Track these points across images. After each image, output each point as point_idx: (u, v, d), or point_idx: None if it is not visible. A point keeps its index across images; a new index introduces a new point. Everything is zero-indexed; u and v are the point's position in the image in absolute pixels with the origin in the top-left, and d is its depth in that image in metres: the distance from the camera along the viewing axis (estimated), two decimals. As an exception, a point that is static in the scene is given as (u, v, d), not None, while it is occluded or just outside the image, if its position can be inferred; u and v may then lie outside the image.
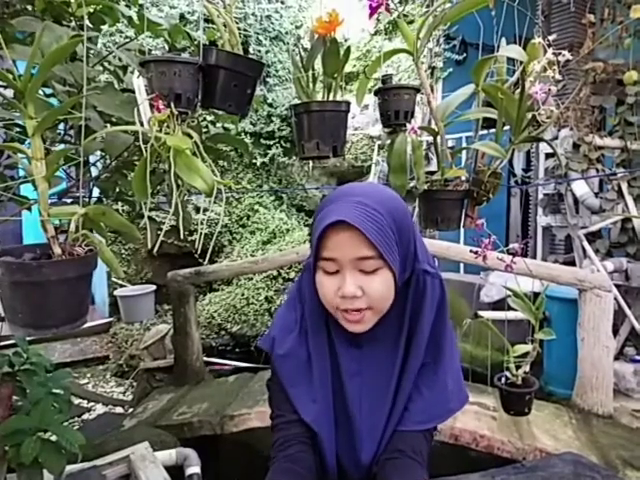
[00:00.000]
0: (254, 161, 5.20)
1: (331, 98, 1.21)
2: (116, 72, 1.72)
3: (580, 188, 3.50)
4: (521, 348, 1.57)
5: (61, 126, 1.76)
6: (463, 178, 1.51)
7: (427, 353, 0.90)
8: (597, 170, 3.47)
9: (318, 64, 1.26)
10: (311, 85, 1.21)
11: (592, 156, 3.48)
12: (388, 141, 1.38)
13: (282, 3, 5.48)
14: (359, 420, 0.89)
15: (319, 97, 1.21)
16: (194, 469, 2.29)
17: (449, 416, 0.91)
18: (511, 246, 1.49)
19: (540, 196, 3.97)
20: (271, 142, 5.25)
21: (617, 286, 3.12)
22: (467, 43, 5.18)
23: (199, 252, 4.91)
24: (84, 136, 0.98)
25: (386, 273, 0.81)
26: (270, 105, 5.25)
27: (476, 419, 2.48)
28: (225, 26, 1.11)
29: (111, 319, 4.72)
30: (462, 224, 1.53)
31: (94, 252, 0.96)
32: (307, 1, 5.59)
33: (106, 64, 1.48)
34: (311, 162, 5.39)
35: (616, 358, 3.01)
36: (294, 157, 5.39)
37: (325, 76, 1.17)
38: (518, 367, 1.56)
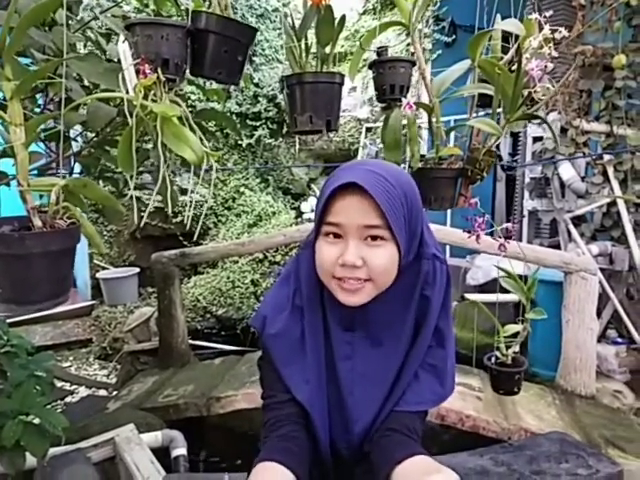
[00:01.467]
0: (240, 142, 5.11)
1: (325, 70, 1.16)
2: (98, 42, 1.64)
3: (567, 172, 3.51)
4: (511, 328, 1.56)
5: (41, 101, 1.68)
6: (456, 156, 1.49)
7: (432, 337, 0.90)
8: (584, 154, 3.48)
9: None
10: (304, 56, 1.16)
11: (579, 140, 3.49)
12: (383, 116, 1.35)
13: (269, -20, 5.36)
14: (351, 403, 0.88)
15: (312, 69, 1.16)
16: (180, 451, 2.28)
17: (442, 401, 0.91)
18: (504, 226, 1.47)
19: (527, 180, 3.98)
20: (257, 123, 5.15)
21: (601, 270, 3.15)
22: (456, 25, 5.13)
23: (184, 235, 4.85)
24: (65, 107, 0.93)
25: (391, 247, 0.79)
26: (256, 85, 5.14)
27: (462, 399, 2.50)
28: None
29: (94, 302, 4.64)
30: (455, 203, 1.51)
31: (77, 225, 0.91)
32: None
33: (88, 32, 1.41)
34: (297, 145, 5.33)
35: (598, 340, 3.06)
36: (280, 139, 5.31)
37: (319, 46, 1.13)
38: (508, 347, 1.56)
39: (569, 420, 2.46)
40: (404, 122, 1.34)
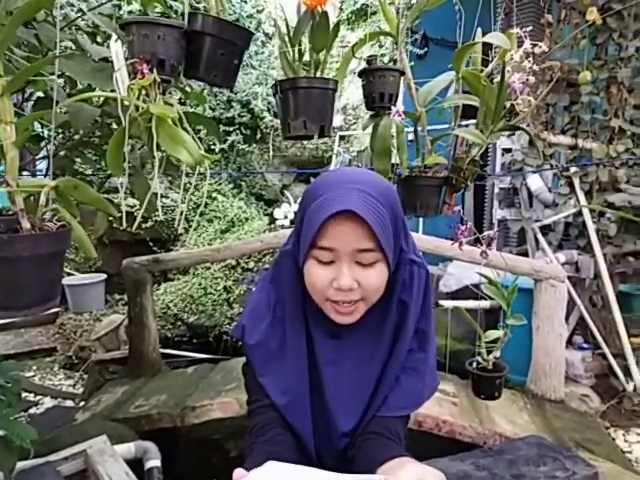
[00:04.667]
0: (213, 147, 5.05)
1: (318, 75, 1.16)
2: (77, 42, 1.60)
3: (535, 183, 3.63)
4: (492, 334, 1.59)
5: (14, 101, 1.62)
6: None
7: (413, 341, 0.91)
8: (551, 166, 3.60)
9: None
10: (297, 61, 1.16)
11: (547, 152, 3.61)
12: (371, 125, 1.36)
13: (244, -14, 5.35)
14: (335, 408, 0.88)
15: (305, 74, 1.16)
16: (154, 462, 2.21)
17: (422, 403, 0.92)
18: (485, 233, 1.51)
19: (496, 190, 4.09)
20: (231, 128, 5.11)
21: (567, 277, 3.26)
22: (428, 38, 5.25)
23: (153, 240, 4.75)
24: (48, 106, 0.90)
25: (382, 266, 0.80)
26: (230, 90, 5.11)
27: (438, 405, 2.53)
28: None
29: (58, 309, 4.47)
30: (440, 211, 1.53)
31: (67, 228, 0.88)
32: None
33: (72, 30, 1.36)
34: (271, 151, 5.31)
35: (565, 346, 3.15)
36: (254, 144, 5.28)
37: (313, 52, 1.13)
38: (489, 352, 1.59)
39: (540, 424, 2.53)
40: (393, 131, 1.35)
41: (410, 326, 0.88)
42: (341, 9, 5.38)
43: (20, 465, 1.75)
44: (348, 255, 0.77)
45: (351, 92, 5.43)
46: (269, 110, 5.26)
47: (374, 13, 4.75)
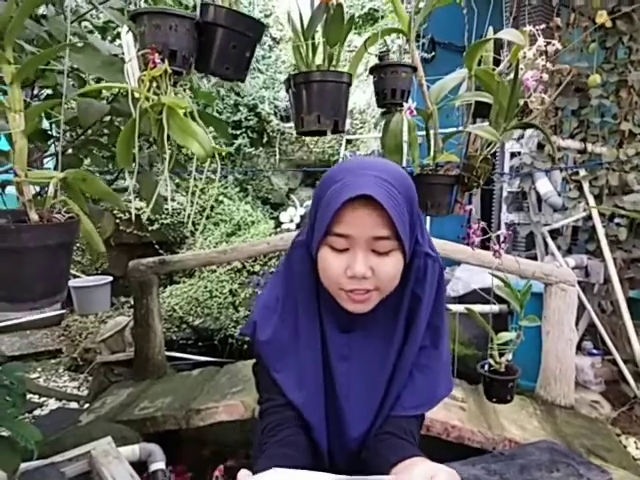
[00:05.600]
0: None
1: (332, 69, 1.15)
2: (87, 40, 1.59)
3: (544, 187, 3.60)
4: (504, 336, 1.57)
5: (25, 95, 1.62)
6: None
7: (425, 337, 0.88)
8: (560, 169, 3.57)
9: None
10: (310, 55, 1.14)
11: (556, 156, 3.58)
12: (383, 121, 1.34)
13: (251, -10, 5.36)
14: (347, 405, 0.86)
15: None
16: (158, 465, 2.19)
17: (437, 402, 0.90)
18: (498, 232, 1.48)
19: (505, 194, 4.06)
20: (237, 132, 5.12)
21: (577, 282, 3.22)
22: (436, 42, 5.23)
23: (160, 243, 4.74)
24: (58, 102, 0.89)
25: (398, 255, 0.78)
26: (237, 94, 5.12)
27: (446, 409, 2.49)
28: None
29: (63, 311, 4.46)
30: (452, 209, 1.51)
31: (76, 219, 0.86)
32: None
33: (79, 27, 1.36)
34: (277, 154, 5.31)
35: (575, 352, 3.11)
36: (260, 148, 5.28)
37: (326, 45, 1.11)
38: (501, 355, 1.56)
39: (551, 430, 2.48)
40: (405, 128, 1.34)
41: (422, 321, 0.86)
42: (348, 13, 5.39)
43: (24, 466, 1.74)
44: (363, 242, 0.75)
45: (358, 96, 5.42)
46: (276, 114, 5.26)
47: (382, 17, 4.74)
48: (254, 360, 0.95)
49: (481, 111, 1.54)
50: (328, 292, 0.82)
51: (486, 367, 1.57)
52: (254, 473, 0.74)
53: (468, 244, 1.47)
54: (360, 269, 0.75)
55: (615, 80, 3.42)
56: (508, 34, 1.34)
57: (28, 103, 1.40)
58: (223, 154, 0.95)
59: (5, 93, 0.79)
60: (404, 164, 1.42)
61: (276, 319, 0.87)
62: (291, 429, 0.83)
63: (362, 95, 5.37)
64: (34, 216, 0.83)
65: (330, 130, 1.12)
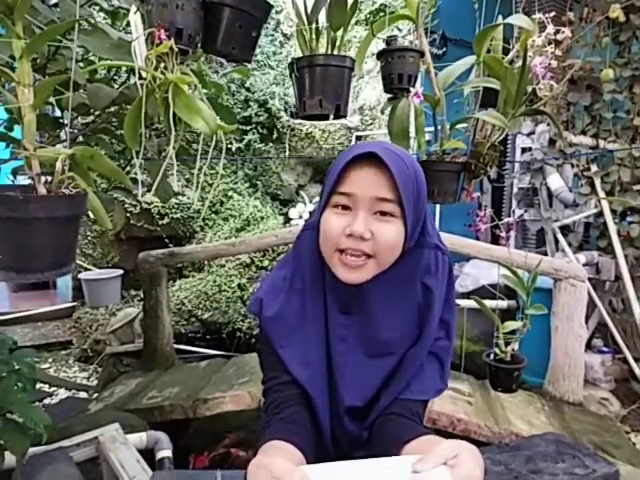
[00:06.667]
0: (229, 146, 5.08)
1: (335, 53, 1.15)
2: (96, 25, 1.61)
3: (555, 182, 3.57)
4: (510, 325, 1.56)
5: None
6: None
7: (438, 329, 0.89)
8: (572, 165, 3.54)
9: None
10: (314, 40, 1.15)
11: (567, 151, 3.55)
12: (389, 107, 1.34)
13: (263, -14, 5.38)
14: (342, 386, 0.86)
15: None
16: (165, 452, 2.20)
17: (440, 393, 0.91)
18: (505, 220, 1.48)
19: (515, 190, 4.03)
20: (247, 128, 5.14)
21: (587, 279, 3.19)
22: (447, 38, 5.21)
23: (170, 237, 4.78)
24: (67, 86, 0.90)
25: (399, 224, 0.78)
26: (248, 90, 5.14)
27: (452, 403, 2.49)
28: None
29: (74, 303, 4.52)
30: (458, 197, 1.51)
31: (83, 193, 0.87)
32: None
33: (89, 10, 1.38)
34: (287, 150, 5.32)
35: (584, 349, 3.08)
36: (270, 144, 5.30)
37: (330, 30, 1.12)
38: (507, 344, 1.55)
39: (558, 426, 2.46)
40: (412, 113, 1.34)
41: (436, 314, 0.87)
42: (359, 9, 5.38)
43: (33, 450, 1.76)
44: (366, 202, 0.77)
45: (368, 92, 5.42)
46: (286, 110, 5.28)
47: (392, 13, 4.72)
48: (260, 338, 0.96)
49: (489, 99, 1.54)
50: (332, 271, 0.83)
51: (492, 356, 1.56)
52: (257, 449, 0.75)
53: (476, 232, 1.47)
54: (359, 228, 0.76)
55: (629, 75, 3.38)
56: (518, 20, 1.34)
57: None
58: (231, 126, 0.96)
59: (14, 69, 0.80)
60: (410, 151, 1.42)
61: (282, 297, 0.88)
62: (295, 407, 0.84)
63: (372, 91, 5.36)
64: (42, 190, 0.85)
65: (332, 114, 1.13)
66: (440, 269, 0.87)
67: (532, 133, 3.76)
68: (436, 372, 0.89)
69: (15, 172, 1.68)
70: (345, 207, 0.78)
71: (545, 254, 3.75)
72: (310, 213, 4.97)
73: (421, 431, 0.75)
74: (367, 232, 0.76)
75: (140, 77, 0.95)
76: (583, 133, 3.66)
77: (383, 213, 0.77)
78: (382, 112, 4.95)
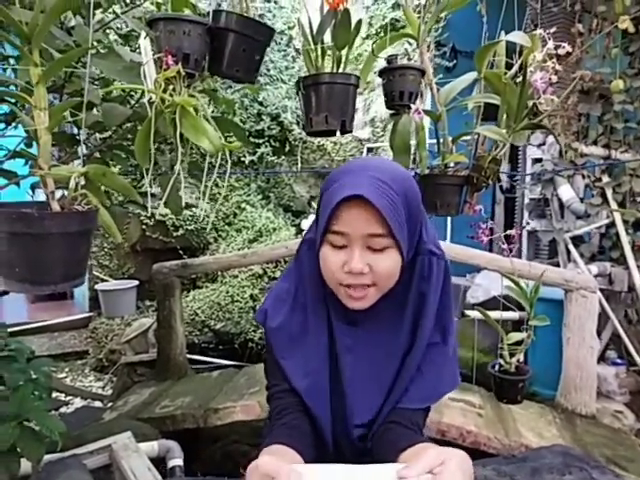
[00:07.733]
0: (242, 159, 5.16)
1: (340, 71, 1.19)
2: (111, 47, 1.69)
3: (566, 193, 3.56)
4: (515, 336, 1.57)
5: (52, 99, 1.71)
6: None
7: (434, 334, 0.91)
8: (583, 176, 3.53)
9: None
10: (320, 59, 1.19)
11: (578, 162, 3.55)
12: (391, 123, 1.38)
13: (275, 3, 5.48)
14: (351, 396, 0.88)
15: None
16: (177, 461, 2.24)
17: (441, 397, 0.92)
18: (509, 232, 1.50)
19: (526, 201, 4.03)
20: (260, 141, 5.22)
21: (600, 290, 3.16)
22: (457, 50, 5.25)
23: (184, 248, 4.86)
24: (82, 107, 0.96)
25: (394, 252, 0.81)
26: (260, 104, 5.23)
27: (462, 415, 2.48)
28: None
29: (91, 314, 4.61)
30: (461, 210, 1.53)
31: (96, 209, 0.92)
32: (300, 3, 5.61)
33: (106, 34, 1.45)
34: (299, 163, 5.38)
35: (598, 361, 3.05)
36: (283, 157, 5.37)
37: (335, 49, 1.16)
38: (512, 355, 1.56)
39: (570, 438, 2.44)
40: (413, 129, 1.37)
41: (430, 318, 0.88)
42: (370, 24, 5.45)
43: (48, 457, 1.80)
44: (360, 239, 0.79)
45: (379, 105, 5.47)
46: (298, 123, 5.35)
47: (404, 27, 4.78)
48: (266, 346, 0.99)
49: (490, 114, 1.56)
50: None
51: (496, 367, 1.57)
52: (259, 451, 0.78)
53: (482, 243, 1.49)
54: (356, 265, 0.78)
55: (639, 86, 3.37)
56: (516, 37, 1.37)
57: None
58: (235, 144, 1.01)
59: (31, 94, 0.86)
60: (412, 165, 1.45)
61: (286, 309, 0.92)
62: (295, 414, 0.87)
63: (383, 105, 5.41)
64: (56, 207, 0.90)
65: (338, 130, 1.17)
66: (434, 274, 0.88)
67: (542, 144, 3.76)
68: (436, 378, 0.90)
69: (34, 187, 1.75)
70: (341, 245, 0.81)
71: (557, 265, 3.73)
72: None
73: (418, 439, 0.77)
74: (365, 267, 0.79)
75: (150, 99, 1.00)
76: (594, 143, 3.66)
77: (377, 245, 0.80)
78: (384, 129, 5.00)
